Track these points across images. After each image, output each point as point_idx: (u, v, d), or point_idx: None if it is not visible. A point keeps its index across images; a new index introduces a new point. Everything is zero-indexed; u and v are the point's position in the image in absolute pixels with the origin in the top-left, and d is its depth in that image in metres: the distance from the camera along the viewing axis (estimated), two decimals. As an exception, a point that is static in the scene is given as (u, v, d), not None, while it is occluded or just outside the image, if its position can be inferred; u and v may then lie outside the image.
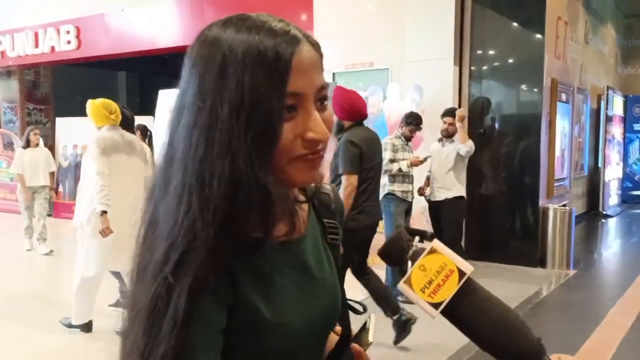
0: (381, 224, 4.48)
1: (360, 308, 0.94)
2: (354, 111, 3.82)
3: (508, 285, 5.75)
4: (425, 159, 5.25)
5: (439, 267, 0.77)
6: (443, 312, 0.77)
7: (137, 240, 0.76)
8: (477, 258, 6.31)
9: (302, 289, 0.81)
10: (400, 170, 5.07)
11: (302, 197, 0.84)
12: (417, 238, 0.83)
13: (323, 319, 0.84)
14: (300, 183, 0.79)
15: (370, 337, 0.90)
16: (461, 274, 0.77)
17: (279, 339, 0.76)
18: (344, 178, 3.75)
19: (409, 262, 0.80)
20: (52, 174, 7.64)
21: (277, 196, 0.72)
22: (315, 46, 0.76)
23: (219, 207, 0.69)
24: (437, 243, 0.80)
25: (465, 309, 0.77)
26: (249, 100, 0.69)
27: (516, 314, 0.80)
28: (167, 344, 0.67)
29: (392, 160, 5.09)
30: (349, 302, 0.93)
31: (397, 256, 0.83)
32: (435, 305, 0.77)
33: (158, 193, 0.75)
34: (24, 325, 4.58)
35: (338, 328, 0.92)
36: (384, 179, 5.23)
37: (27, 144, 7.47)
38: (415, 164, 5.12)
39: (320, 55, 0.77)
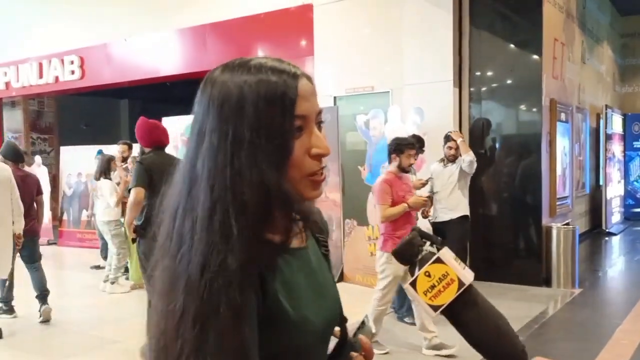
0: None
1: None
2: (151, 139, 4.31)
3: (513, 305, 5.73)
4: (427, 181, 5.28)
5: (442, 275, 0.87)
6: (444, 314, 0.87)
7: (162, 255, 0.84)
8: (481, 278, 6.29)
9: (314, 290, 0.93)
10: None
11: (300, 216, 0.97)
12: (428, 243, 0.91)
13: (331, 317, 0.96)
14: (308, 198, 0.91)
15: (373, 329, 1.00)
16: (460, 283, 0.86)
17: (300, 334, 0.86)
18: (131, 192, 4.23)
19: (417, 265, 0.89)
20: None
21: (298, 201, 0.86)
22: (310, 79, 0.91)
23: (251, 211, 0.81)
24: (443, 254, 0.89)
25: (462, 314, 0.87)
26: (266, 122, 0.82)
27: (507, 322, 0.91)
28: (231, 317, 0.75)
29: None
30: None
31: (408, 258, 0.92)
32: (435, 308, 0.87)
33: (183, 210, 0.83)
34: None
35: (336, 329, 1.01)
36: None
37: None
38: (417, 186, 5.15)
39: (314, 86, 0.91)
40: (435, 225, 5.47)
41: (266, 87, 0.84)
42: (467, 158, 5.19)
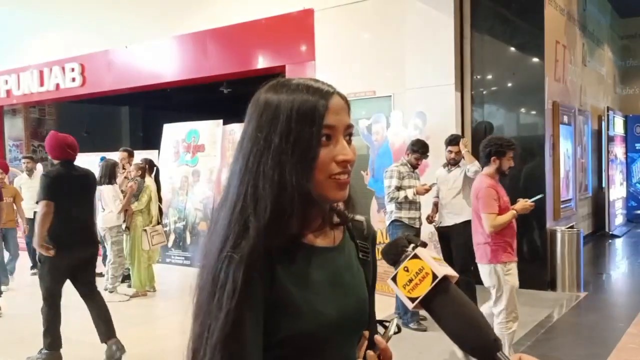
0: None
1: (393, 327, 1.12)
2: (60, 152, 4.45)
3: (519, 310, 5.69)
4: (431, 187, 5.25)
5: (418, 269, 0.96)
6: (422, 305, 0.96)
7: (205, 235, 1.02)
8: (487, 283, 6.27)
9: (335, 286, 1.03)
10: (406, 198, 5.08)
11: (337, 220, 1.09)
12: (411, 245, 1.01)
13: (352, 315, 1.05)
14: (333, 198, 1.02)
15: (390, 332, 1.09)
16: (434, 276, 0.95)
17: (308, 323, 0.97)
18: (40, 205, 4.29)
19: (400, 264, 0.99)
20: None
21: (315, 200, 0.97)
22: (343, 97, 1.03)
23: (268, 204, 0.94)
24: (420, 250, 0.99)
25: (437, 304, 0.96)
26: (296, 130, 0.96)
27: (481, 314, 0.97)
28: (229, 307, 0.90)
29: (399, 188, 5.10)
30: (380, 321, 1.15)
31: (393, 258, 1.01)
32: (412, 300, 0.96)
33: (222, 201, 1.01)
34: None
35: (365, 333, 1.10)
36: (390, 206, 5.23)
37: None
38: (421, 192, 5.11)
39: (347, 104, 1.04)
40: (440, 230, 5.42)
41: (300, 102, 0.97)
42: (472, 168, 5.12)
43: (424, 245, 1.02)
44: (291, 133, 0.96)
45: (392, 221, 5.20)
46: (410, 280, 0.96)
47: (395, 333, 1.12)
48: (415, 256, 0.97)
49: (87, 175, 4.66)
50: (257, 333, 0.93)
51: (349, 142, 1.03)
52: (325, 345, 1.00)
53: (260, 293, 0.93)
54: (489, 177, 4.00)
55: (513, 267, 3.96)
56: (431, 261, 0.96)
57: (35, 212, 5.65)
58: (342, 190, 1.01)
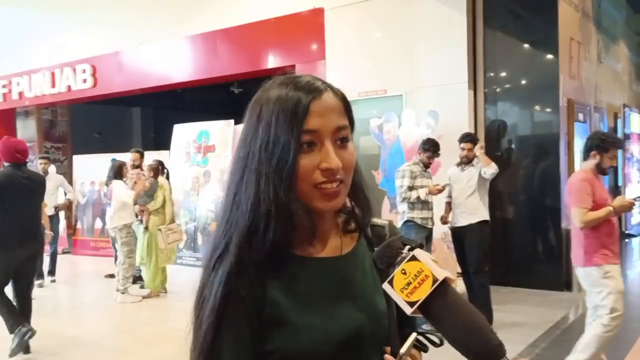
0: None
1: (436, 340, 1.03)
2: (10, 156, 4.68)
3: (534, 311, 5.62)
4: (445, 187, 5.16)
5: (417, 272, 0.91)
6: (420, 310, 0.91)
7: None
8: (501, 283, 6.19)
9: (337, 299, 0.96)
10: (418, 198, 5.00)
11: (352, 226, 1.04)
12: (407, 247, 0.96)
13: (357, 330, 0.96)
14: (322, 209, 0.94)
15: (402, 350, 1.01)
16: (434, 279, 0.90)
17: (304, 339, 0.91)
18: None
19: (396, 267, 0.93)
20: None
21: (296, 211, 0.91)
22: (338, 95, 0.96)
23: (246, 219, 0.91)
24: (418, 252, 0.93)
25: (437, 309, 0.90)
26: (273, 137, 0.90)
27: (482, 318, 0.91)
28: (207, 325, 0.89)
29: (411, 188, 5.03)
30: (424, 334, 1.05)
31: (387, 260, 0.96)
32: (411, 304, 0.90)
33: (220, 208, 0.99)
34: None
35: (387, 348, 1.03)
36: (403, 206, 5.16)
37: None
38: (434, 192, 5.03)
39: (343, 101, 0.96)
40: (454, 231, 5.30)
41: (280, 102, 0.91)
42: (490, 171, 5.01)
43: (421, 246, 0.97)
44: (269, 141, 0.90)
45: (405, 221, 5.13)
46: (409, 284, 0.91)
47: (420, 348, 1.05)
48: (414, 258, 0.92)
49: (35, 178, 4.91)
50: (237, 352, 0.90)
51: (342, 146, 0.94)
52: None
53: (242, 311, 0.90)
54: (586, 171, 3.73)
55: (613, 270, 3.59)
56: (430, 263, 0.92)
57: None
58: (330, 201, 0.93)
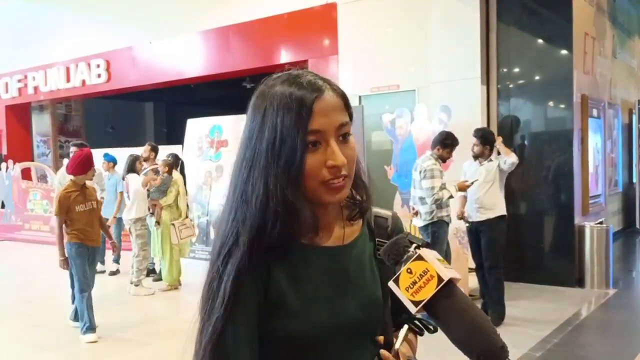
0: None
1: (430, 327, 1.05)
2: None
3: (546, 307, 5.60)
4: (472, 183, 5.02)
5: (422, 271, 0.92)
6: (425, 309, 0.92)
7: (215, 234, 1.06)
8: (514, 279, 6.17)
9: (336, 287, 1.00)
10: (451, 197, 4.90)
11: (356, 213, 1.06)
12: (414, 245, 0.96)
13: (354, 318, 1.00)
14: (329, 202, 0.98)
15: (397, 345, 1.03)
16: (440, 279, 0.90)
17: (304, 325, 0.95)
18: None
19: (402, 265, 0.94)
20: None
21: (301, 209, 0.94)
22: (338, 92, 0.98)
23: (255, 217, 0.94)
24: (424, 251, 0.94)
25: (441, 309, 0.91)
26: (280, 137, 0.92)
27: (487, 319, 0.92)
28: (218, 314, 0.92)
29: (442, 188, 4.89)
30: (418, 321, 1.07)
31: (394, 257, 0.97)
32: (415, 303, 0.92)
33: (224, 204, 1.01)
34: None
35: (380, 338, 1.05)
36: (426, 207, 4.98)
37: None
38: (463, 188, 4.98)
39: (343, 99, 0.98)
40: (470, 226, 5.21)
41: (284, 102, 0.93)
42: (510, 160, 4.96)
43: (427, 245, 0.97)
44: (276, 142, 0.93)
45: (435, 222, 4.98)
46: (414, 283, 0.92)
47: (416, 332, 1.07)
48: (420, 257, 0.93)
49: None
50: (245, 342, 0.94)
51: (345, 141, 0.97)
52: (320, 348, 0.97)
53: (252, 302, 0.95)
54: None
55: None
56: (436, 263, 0.92)
57: None
58: (336, 195, 0.97)
